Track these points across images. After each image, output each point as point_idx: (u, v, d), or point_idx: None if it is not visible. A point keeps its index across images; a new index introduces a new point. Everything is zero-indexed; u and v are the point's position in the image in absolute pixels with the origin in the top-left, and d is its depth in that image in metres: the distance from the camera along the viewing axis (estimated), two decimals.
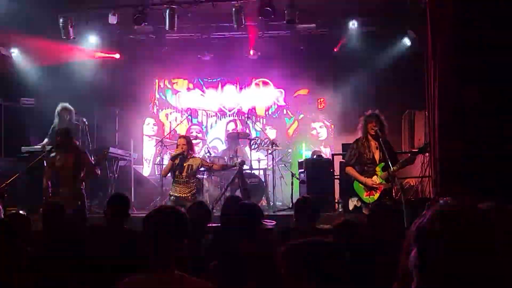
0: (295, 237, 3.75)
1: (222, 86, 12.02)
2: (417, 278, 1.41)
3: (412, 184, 8.94)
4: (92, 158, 7.26)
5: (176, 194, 7.20)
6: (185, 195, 7.17)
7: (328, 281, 1.66)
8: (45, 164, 7.08)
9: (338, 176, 8.19)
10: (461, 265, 1.34)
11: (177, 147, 7.34)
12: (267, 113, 11.95)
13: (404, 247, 1.75)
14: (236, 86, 11.99)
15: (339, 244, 1.86)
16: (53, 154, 6.92)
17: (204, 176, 9.70)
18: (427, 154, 8.52)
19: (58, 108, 8.52)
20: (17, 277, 2.31)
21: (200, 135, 11.63)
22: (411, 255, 1.42)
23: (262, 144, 9.64)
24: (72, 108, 8.62)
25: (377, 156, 6.56)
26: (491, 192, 5.54)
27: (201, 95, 12.01)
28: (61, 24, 9.38)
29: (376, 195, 6.39)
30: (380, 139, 6.47)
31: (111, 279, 2.28)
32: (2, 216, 4.52)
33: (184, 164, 7.19)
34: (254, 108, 11.82)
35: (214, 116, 12.04)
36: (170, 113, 12.13)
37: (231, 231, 3.18)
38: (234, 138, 10.07)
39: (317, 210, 4.13)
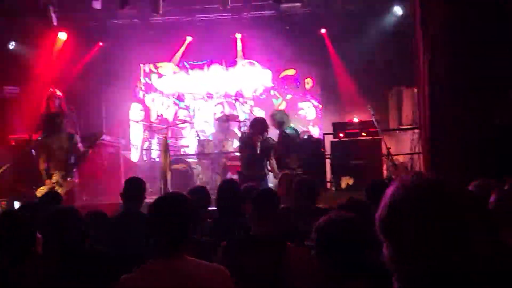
0: (299, 217, 3.78)
1: (208, 67, 11.92)
2: (397, 279, 1.19)
3: (402, 161, 9.01)
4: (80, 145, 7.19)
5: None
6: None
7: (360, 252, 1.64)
8: (33, 153, 7.01)
9: (330, 156, 8.19)
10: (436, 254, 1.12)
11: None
12: (254, 94, 11.90)
13: None
14: (222, 66, 11.89)
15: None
16: (45, 138, 6.84)
17: (195, 160, 9.67)
18: (417, 130, 8.60)
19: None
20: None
21: (188, 118, 11.57)
22: (383, 250, 1.21)
23: None
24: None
25: None
26: (482, 169, 5.58)
27: (187, 78, 11.90)
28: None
29: None
30: None
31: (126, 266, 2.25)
32: None
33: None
34: (241, 90, 11.75)
35: (201, 99, 11.95)
36: (157, 97, 12.01)
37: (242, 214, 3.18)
38: (224, 121, 10.01)
39: (316, 190, 4.14)
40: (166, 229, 2.16)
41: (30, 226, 2.44)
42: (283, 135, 7.54)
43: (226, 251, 2.76)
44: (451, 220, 1.14)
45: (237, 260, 2.66)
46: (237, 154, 9.53)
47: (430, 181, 1.20)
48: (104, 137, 9.75)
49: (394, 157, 8.99)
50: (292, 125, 8.30)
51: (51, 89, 8.51)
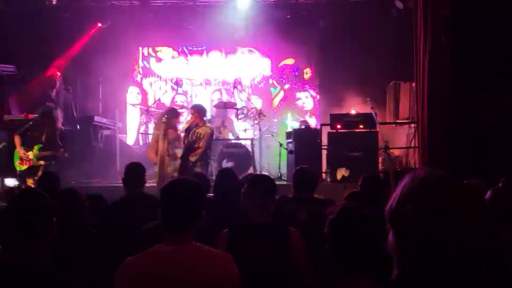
0: (298, 206, 3.81)
1: (207, 53, 11.88)
2: (397, 265, 1.25)
3: (397, 154, 9.06)
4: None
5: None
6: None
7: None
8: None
9: (326, 147, 8.22)
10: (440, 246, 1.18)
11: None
12: (252, 82, 11.88)
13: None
14: (221, 53, 11.85)
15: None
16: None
17: None
18: (413, 125, 8.65)
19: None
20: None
21: (185, 104, 11.54)
22: (388, 240, 1.27)
23: (249, 114, 9.60)
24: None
25: None
26: (477, 165, 5.64)
27: (186, 63, 11.86)
28: None
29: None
30: None
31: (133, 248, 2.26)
32: None
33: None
34: (239, 78, 11.71)
35: (199, 85, 11.93)
36: (154, 81, 11.96)
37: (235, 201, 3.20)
38: (221, 107, 10.00)
39: (316, 180, 4.17)
40: (177, 214, 2.15)
41: (49, 208, 2.05)
42: None
43: (230, 239, 2.77)
44: (456, 214, 1.20)
45: (242, 248, 2.68)
46: (234, 141, 9.62)
47: (440, 176, 1.25)
48: (100, 119, 9.76)
49: (389, 150, 9.07)
50: None
51: (52, 71, 8.48)
